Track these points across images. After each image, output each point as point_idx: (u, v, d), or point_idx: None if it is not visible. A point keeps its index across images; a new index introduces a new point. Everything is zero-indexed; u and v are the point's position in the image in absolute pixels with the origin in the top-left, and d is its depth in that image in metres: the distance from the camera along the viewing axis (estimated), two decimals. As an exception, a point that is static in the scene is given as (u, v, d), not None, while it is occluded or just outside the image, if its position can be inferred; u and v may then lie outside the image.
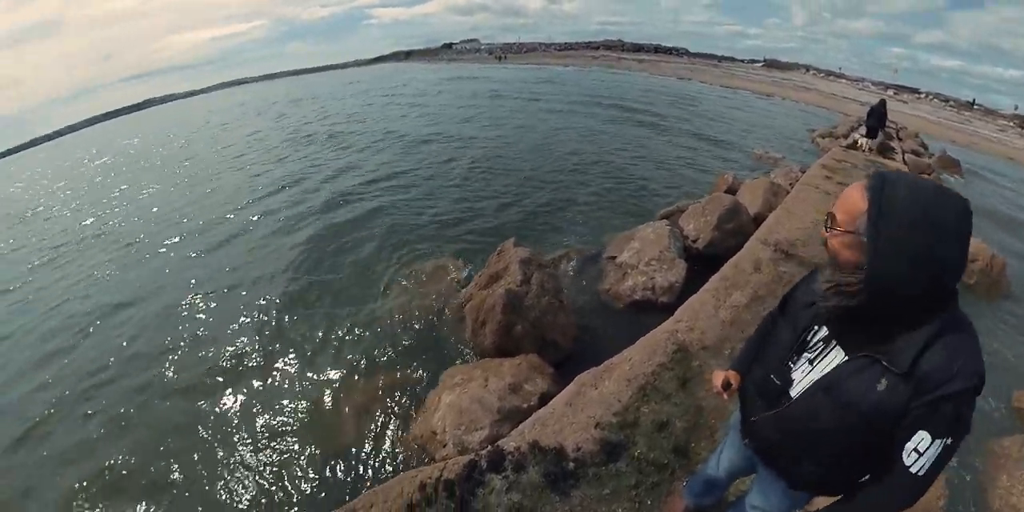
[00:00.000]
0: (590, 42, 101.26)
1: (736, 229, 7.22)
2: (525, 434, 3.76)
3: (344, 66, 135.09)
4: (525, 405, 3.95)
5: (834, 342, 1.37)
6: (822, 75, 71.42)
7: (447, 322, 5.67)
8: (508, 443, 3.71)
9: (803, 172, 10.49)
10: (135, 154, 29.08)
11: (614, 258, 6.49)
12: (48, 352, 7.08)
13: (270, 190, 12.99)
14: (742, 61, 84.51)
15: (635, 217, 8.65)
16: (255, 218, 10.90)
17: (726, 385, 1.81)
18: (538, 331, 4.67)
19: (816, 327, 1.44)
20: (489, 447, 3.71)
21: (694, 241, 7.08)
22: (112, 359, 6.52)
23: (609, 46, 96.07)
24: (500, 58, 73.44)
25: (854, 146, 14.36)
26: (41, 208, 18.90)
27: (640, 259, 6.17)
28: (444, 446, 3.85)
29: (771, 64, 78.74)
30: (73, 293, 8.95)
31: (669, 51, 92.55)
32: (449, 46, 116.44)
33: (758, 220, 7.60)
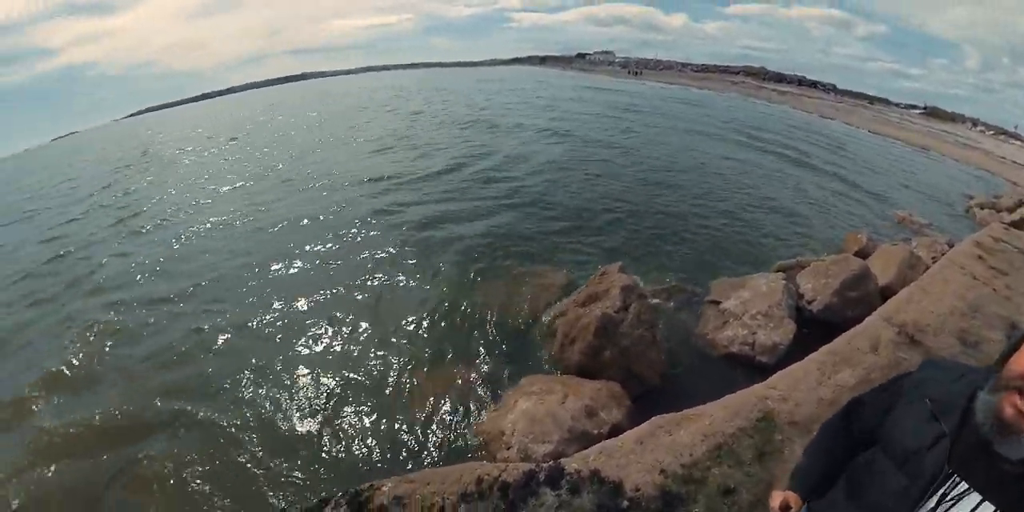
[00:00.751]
0: (729, 66, 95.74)
1: (859, 298, 6.53)
2: (589, 460, 3.80)
3: (482, 64, 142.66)
4: (596, 431, 4.00)
5: None
6: (992, 132, 60.01)
7: (538, 329, 5.88)
8: (570, 464, 3.79)
9: (950, 246, 9.04)
10: (306, 117, 34.16)
11: (718, 303, 6.22)
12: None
13: (407, 169, 14.28)
14: (897, 105, 74.28)
15: (748, 263, 8.16)
16: (378, 192, 12.19)
17: (784, 509, 1.46)
18: (625, 360, 4.68)
19: (960, 483, 1.07)
20: (551, 462, 3.81)
21: (809, 302, 6.53)
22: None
23: (750, 72, 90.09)
24: (635, 73, 72.45)
25: (1021, 224, 12.01)
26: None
27: (746, 310, 5.86)
28: (508, 448, 4.03)
29: (932, 113, 68.19)
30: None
31: (814, 84, 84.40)
32: (583, 56, 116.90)
33: (886, 293, 6.78)
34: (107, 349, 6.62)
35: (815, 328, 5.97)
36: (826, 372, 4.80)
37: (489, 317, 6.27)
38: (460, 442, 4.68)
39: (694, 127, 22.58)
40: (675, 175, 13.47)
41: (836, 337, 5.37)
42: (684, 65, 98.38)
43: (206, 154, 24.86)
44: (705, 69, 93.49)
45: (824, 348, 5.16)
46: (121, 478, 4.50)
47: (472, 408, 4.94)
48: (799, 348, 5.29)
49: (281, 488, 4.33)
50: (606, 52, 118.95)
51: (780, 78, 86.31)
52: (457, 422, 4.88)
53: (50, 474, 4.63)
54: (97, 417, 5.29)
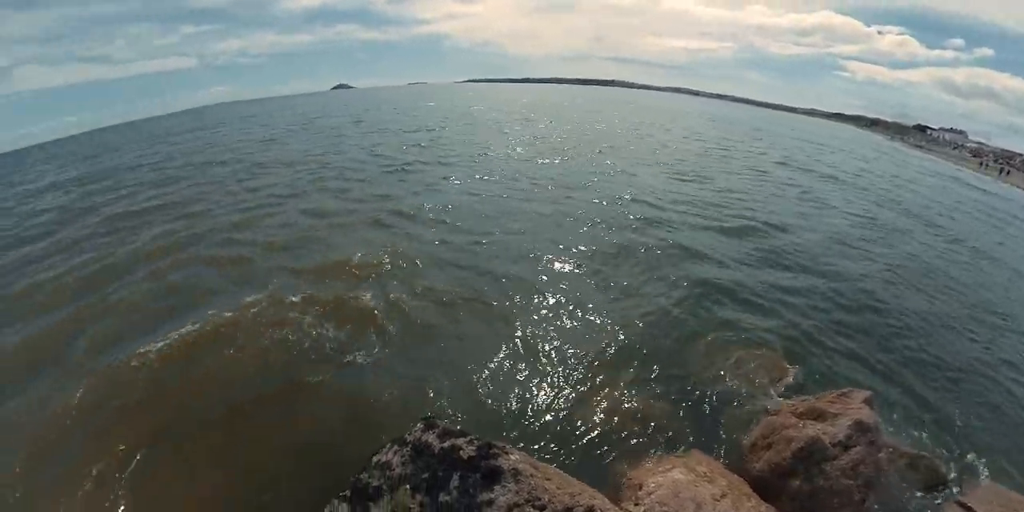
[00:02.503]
0: None
1: None
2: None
3: (798, 111, 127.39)
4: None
5: None
6: None
7: (738, 410, 5.24)
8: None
9: None
10: (618, 122, 37.41)
11: (966, 506, 4.33)
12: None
13: (697, 212, 13.79)
14: None
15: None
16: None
17: None
18: (811, 503, 3.79)
19: None
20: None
21: None
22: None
23: None
24: (1002, 171, 51.50)
25: None
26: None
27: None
28: (635, 504, 3.78)
29: None
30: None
31: None
32: (923, 129, 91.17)
33: None
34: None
35: None
36: None
37: (698, 375, 5.91)
38: (601, 463, 4.67)
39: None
40: (1006, 320, 9.58)
41: None
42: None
43: (516, 128, 30.25)
44: None
45: None
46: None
47: (632, 442, 4.87)
48: None
49: (458, 407, 5.37)
50: (956, 131, 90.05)
51: None
52: (611, 444, 4.88)
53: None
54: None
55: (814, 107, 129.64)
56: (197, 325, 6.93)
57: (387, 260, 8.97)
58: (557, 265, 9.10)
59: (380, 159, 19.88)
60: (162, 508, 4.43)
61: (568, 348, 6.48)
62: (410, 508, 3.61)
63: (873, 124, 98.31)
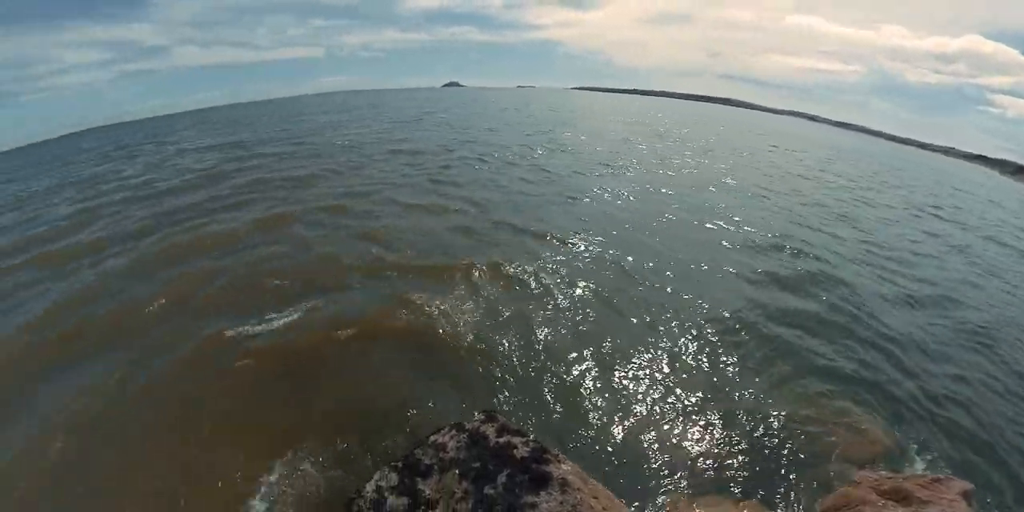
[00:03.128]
0: None
1: None
2: None
3: (933, 148, 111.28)
4: None
5: None
6: None
7: (815, 470, 4.87)
8: None
9: None
10: (735, 144, 35.15)
11: None
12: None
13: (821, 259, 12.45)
14: None
15: None
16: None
17: None
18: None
19: None
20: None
21: None
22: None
23: None
24: None
25: None
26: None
27: None
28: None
29: None
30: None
31: None
32: None
33: None
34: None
35: None
36: None
37: (790, 421, 5.68)
38: (655, 491, 4.71)
39: None
40: None
41: None
42: None
43: (641, 145, 29.10)
44: None
45: None
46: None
47: (693, 478, 4.85)
48: None
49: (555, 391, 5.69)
50: None
51: None
52: (670, 475, 4.88)
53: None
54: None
55: (952, 146, 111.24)
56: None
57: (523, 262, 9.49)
58: (681, 292, 8.94)
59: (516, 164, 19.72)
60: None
61: (658, 372, 6.47)
62: (454, 492, 3.79)
63: (1021, 171, 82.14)
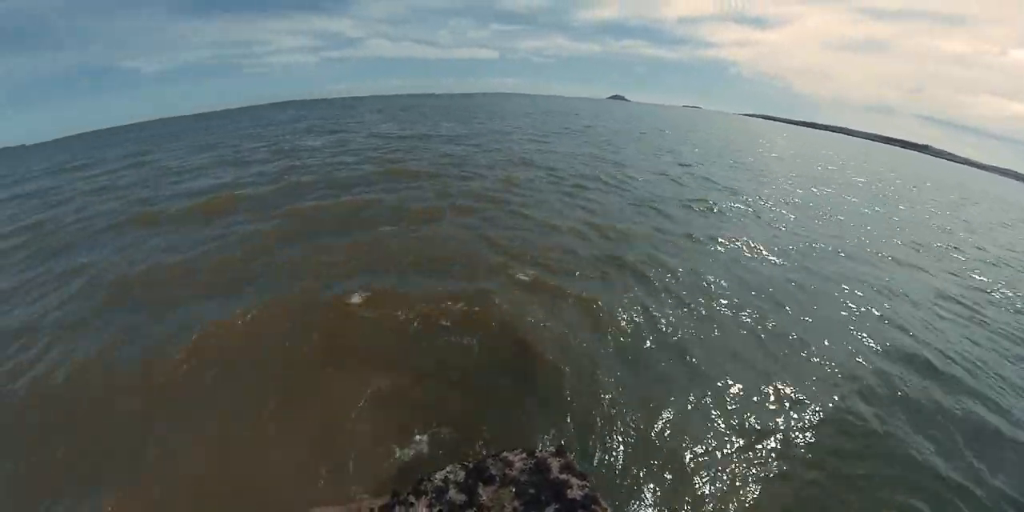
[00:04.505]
0: None
1: None
2: None
3: None
4: None
5: None
6: None
7: None
8: None
9: None
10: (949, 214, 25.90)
11: None
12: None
13: None
14: None
15: None
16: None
17: None
18: None
19: None
20: None
21: None
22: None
23: None
24: None
25: None
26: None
27: None
28: None
29: None
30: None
31: None
32: None
33: None
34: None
35: None
36: None
37: None
38: None
39: None
40: None
41: None
42: None
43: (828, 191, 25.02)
44: None
45: None
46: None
47: None
48: None
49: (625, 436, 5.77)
50: None
51: None
52: None
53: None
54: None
55: None
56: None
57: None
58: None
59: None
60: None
61: (754, 440, 6.14)
62: (504, 506, 4.20)
63: None
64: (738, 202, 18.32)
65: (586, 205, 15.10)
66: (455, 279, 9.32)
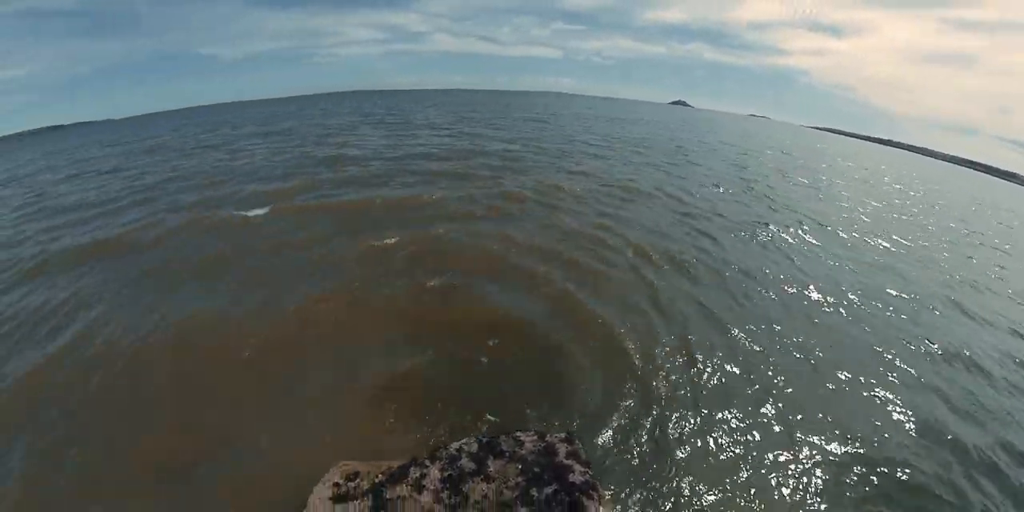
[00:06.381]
0: None
1: None
2: None
3: None
4: None
5: None
6: None
7: None
8: None
9: None
10: None
11: None
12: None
13: None
14: None
15: None
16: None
17: None
18: None
19: None
20: None
21: None
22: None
23: None
24: None
25: None
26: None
27: None
28: None
29: None
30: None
31: None
32: None
33: None
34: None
35: None
36: None
37: None
38: None
39: None
40: None
41: None
42: None
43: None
44: None
45: None
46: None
47: None
48: None
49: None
50: None
51: None
52: None
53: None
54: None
55: None
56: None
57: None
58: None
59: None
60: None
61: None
62: (507, 480, 4.58)
63: None
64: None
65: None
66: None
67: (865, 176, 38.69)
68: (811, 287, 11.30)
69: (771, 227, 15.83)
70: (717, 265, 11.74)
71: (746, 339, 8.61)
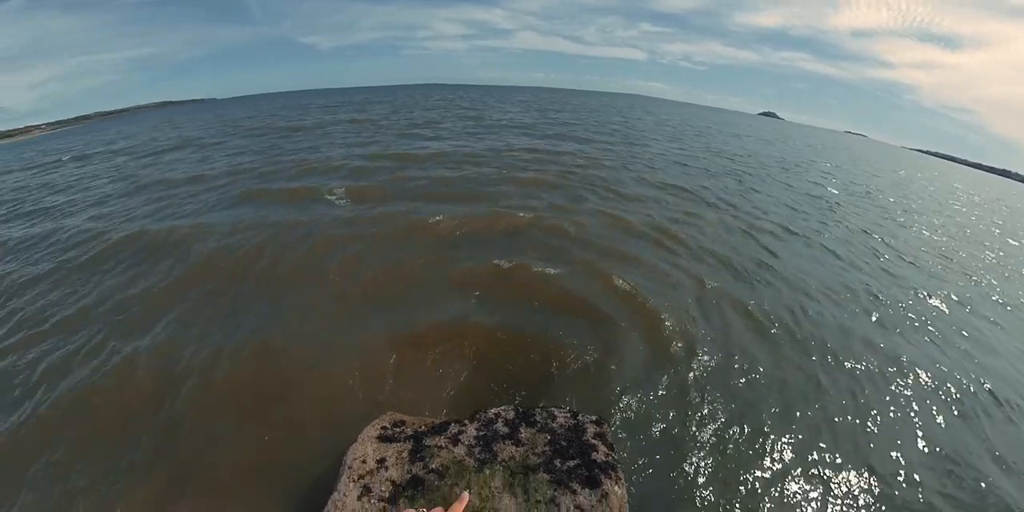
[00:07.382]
0: None
1: None
2: None
3: None
4: None
5: None
6: None
7: None
8: None
9: None
10: None
11: None
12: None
13: None
14: None
15: None
16: None
17: None
18: None
19: None
20: None
21: None
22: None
23: None
24: None
25: None
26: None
27: None
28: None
29: None
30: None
31: None
32: None
33: None
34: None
35: None
36: None
37: None
38: None
39: None
40: None
41: None
42: None
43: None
44: None
45: None
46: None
47: None
48: None
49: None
50: None
51: None
52: None
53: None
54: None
55: None
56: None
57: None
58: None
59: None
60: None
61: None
62: (535, 447, 4.93)
63: None
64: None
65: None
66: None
67: None
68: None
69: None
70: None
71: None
